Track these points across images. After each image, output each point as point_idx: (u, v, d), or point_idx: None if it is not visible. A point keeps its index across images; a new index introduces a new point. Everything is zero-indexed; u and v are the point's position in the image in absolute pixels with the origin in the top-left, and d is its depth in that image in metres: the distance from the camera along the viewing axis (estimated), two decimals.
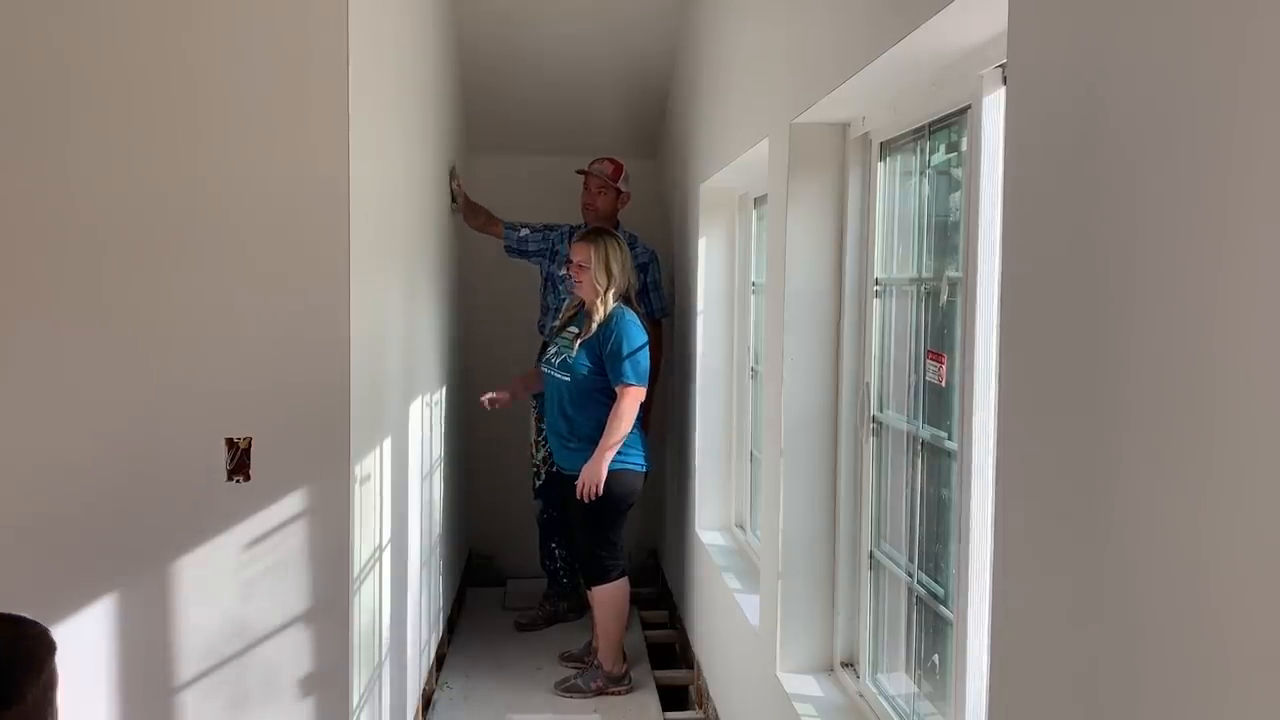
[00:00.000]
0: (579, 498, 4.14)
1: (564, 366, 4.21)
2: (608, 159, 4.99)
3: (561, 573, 5.09)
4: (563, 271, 4.70)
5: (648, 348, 4.18)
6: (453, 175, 4.72)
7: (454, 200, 4.75)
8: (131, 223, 2.51)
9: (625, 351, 4.10)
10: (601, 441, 4.10)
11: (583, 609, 5.06)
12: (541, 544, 5.13)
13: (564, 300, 4.66)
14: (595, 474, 4.10)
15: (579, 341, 4.15)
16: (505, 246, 5.00)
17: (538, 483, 5.09)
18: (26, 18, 2.47)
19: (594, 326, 4.12)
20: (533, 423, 5.09)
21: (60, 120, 2.49)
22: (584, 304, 4.24)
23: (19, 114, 2.48)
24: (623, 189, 4.96)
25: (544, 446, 4.95)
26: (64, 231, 2.50)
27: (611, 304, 4.16)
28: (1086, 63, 1.30)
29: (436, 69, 4.29)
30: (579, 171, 4.97)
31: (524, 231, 4.95)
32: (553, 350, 4.31)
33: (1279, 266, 0.95)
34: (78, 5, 2.48)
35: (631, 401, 4.11)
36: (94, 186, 2.50)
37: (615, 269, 4.16)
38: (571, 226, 4.92)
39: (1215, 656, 1.04)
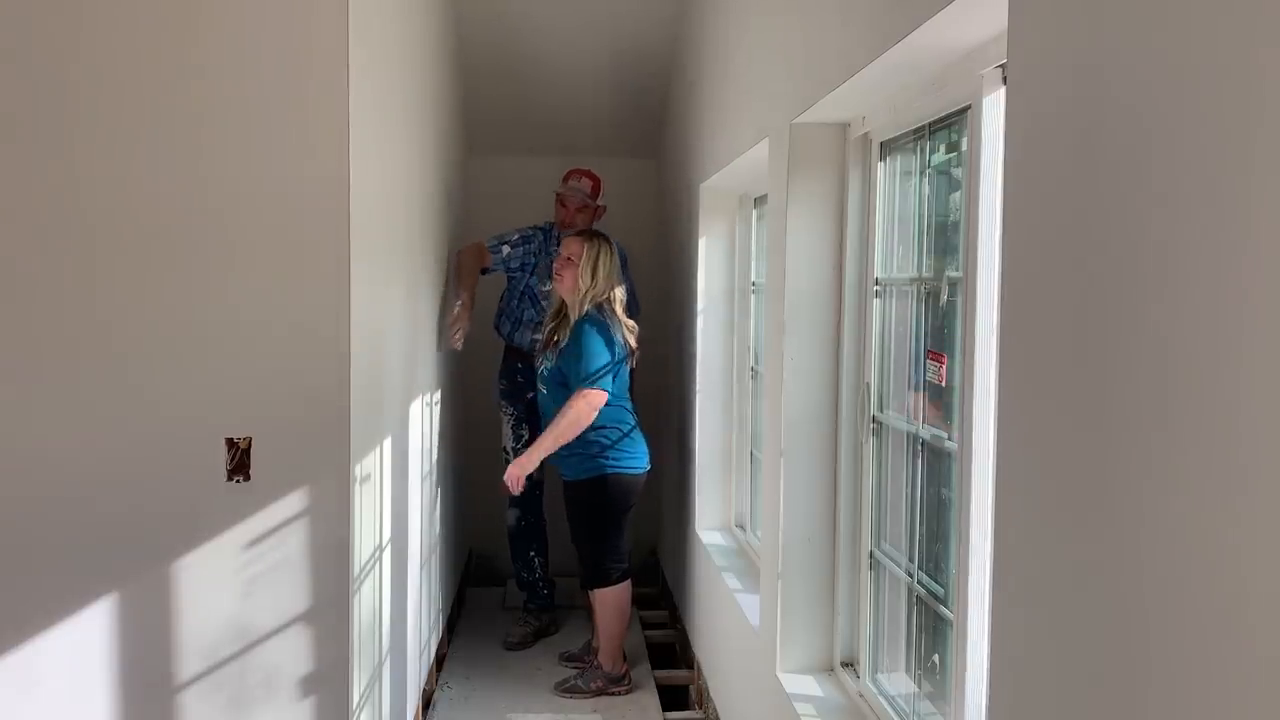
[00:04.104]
0: (505, 488, 4.17)
1: (542, 378, 4.24)
2: (584, 173, 4.84)
3: (541, 584, 4.94)
4: (546, 287, 4.62)
5: (605, 354, 4.06)
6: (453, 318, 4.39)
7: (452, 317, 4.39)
8: (132, 223, 2.51)
9: (579, 353, 4.03)
10: (540, 437, 4.09)
11: (560, 623, 5.02)
12: (517, 555, 4.94)
13: (543, 317, 4.58)
14: (522, 469, 4.10)
15: (555, 349, 4.15)
16: (484, 270, 4.73)
17: (516, 490, 4.87)
18: (26, 18, 2.47)
19: (569, 327, 4.11)
20: (508, 429, 4.90)
21: (59, 120, 2.49)
22: (564, 307, 4.21)
23: (19, 114, 2.48)
24: (601, 204, 4.85)
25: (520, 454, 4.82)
26: (63, 231, 2.50)
27: (586, 308, 4.12)
28: (1086, 63, 1.30)
29: (436, 69, 4.29)
30: (556, 190, 4.82)
31: (505, 250, 4.71)
32: (540, 364, 4.30)
33: (1279, 263, 0.95)
34: (78, 5, 2.48)
35: (580, 404, 4.00)
36: (94, 186, 2.50)
37: (600, 273, 4.10)
38: (545, 231, 4.79)
39: (1216, 656, 1.04)
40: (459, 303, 4.39)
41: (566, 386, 4.09)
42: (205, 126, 2.51)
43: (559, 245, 4.68)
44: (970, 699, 2.10)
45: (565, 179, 4.85)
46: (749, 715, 3.42)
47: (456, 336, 4.35)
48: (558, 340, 4.14)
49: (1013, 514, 1.50)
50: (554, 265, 4.26)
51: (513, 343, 4.85)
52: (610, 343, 4.07)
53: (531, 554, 4.91)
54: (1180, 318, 1.10)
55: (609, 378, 4.07)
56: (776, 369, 2.96)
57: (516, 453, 4.74)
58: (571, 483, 4.20)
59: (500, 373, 4.96)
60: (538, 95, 5.31)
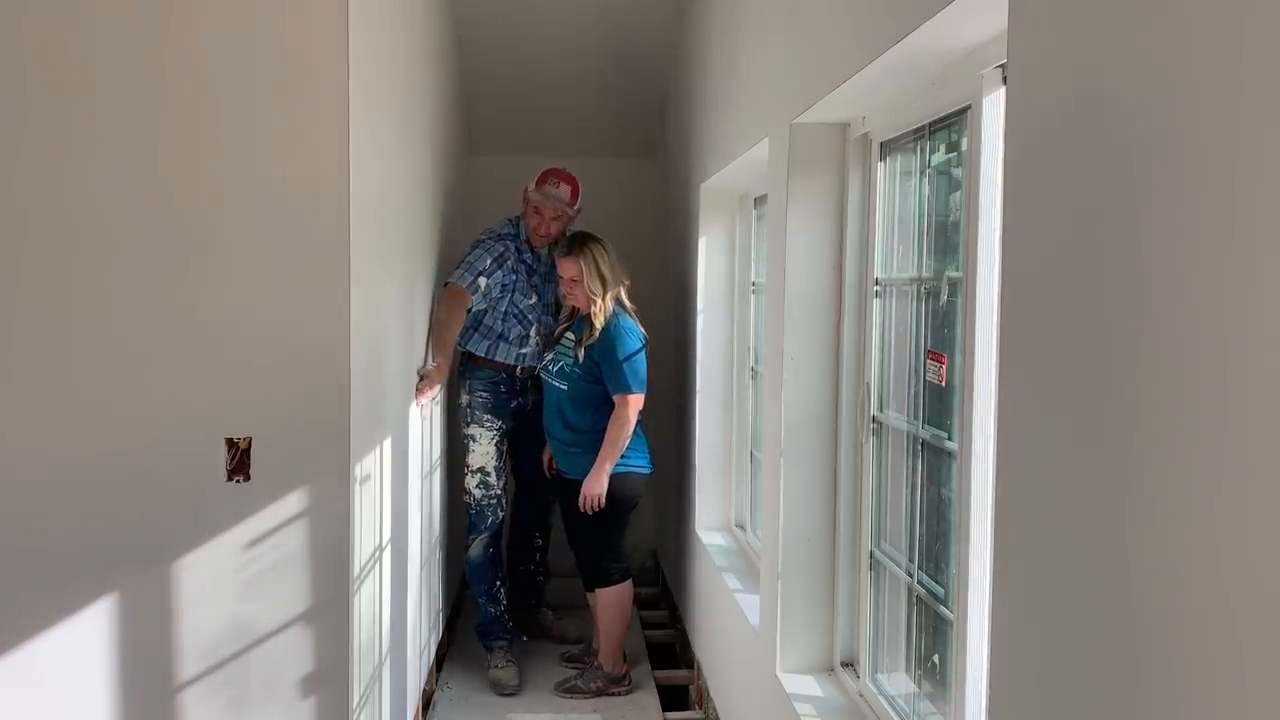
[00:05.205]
0: (581, 510, 4.13)
1: (561, 374, 4.19)
2: (562, 176, 4.39)
3: (507, 615, 4.52)
4: (530, 300, 4.41)
5: (644, 353, 4.16)
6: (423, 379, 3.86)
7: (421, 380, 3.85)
8: (131, 223, 2.51)
9: (621, 359, 4.06)
10: (601, 453, 4.08)
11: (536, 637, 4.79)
12: (484, 590, 4.46)
13: (532, 330, 4.42)
14: (596, 487, 4.08)
15: (580, 348, 4.13)
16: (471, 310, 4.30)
17: (500, 514, 4.43)
18: (26, 17, 2.47)
19: (596, 333, 4.10)
20: (489, 448, 4.40)
21: (60, 121, 2.49)
22: (576, 310, 4.23)
23: (19, 114, 2.48)
24: (577, 208, 4.44)
25: (505, 474, 4.46)
26: (64, 232, 2.50)
27: (610, 307, 4.13)
28: (1086, 63, 1.30)
29: (436, 69, 4.29)
30: (527, 192, 4.38)
31: (483, 283, 4.21)
32: (549, 356, 4.28)
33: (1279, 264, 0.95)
34: (78, 5, 2.48)
35: (632, 410, 4.08)
36: (94, 187, 2.50)
37: (606, 272, 4.10)
38: (514, 239, 4.37)
39: (1216, 656, 1.04)
40: (433, 364, 3.92)
41: (596, 383, 4.11)
42: (205, 126, 2.51)
43: (532, 253, 4.43)
44: (970, 699, 2.10)
45: (540, 182, 4.38)
46: (749, 715, 3.42)
47: (424, 398, 3.81)
48: (579, 338, 4.13)
49: (1013, 514, 1.50)
50: (560, 289, 4.22)
51: (493, 357, 4.40)
52: (638, 339, 4.13)
53: (498, 585, 4.50)
54: (1180, 317, 1.10)
55: (645, 377, 4.13)
56: (776, 369, 2.96)
57: (499, 472, 4.41)
58: (576, 481, 4.19)
59: (473, 385, 4.42)
60: (538, 95, 5.30)
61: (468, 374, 4.43)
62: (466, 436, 4.42)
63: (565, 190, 4.38)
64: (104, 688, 2.55)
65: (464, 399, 4.44)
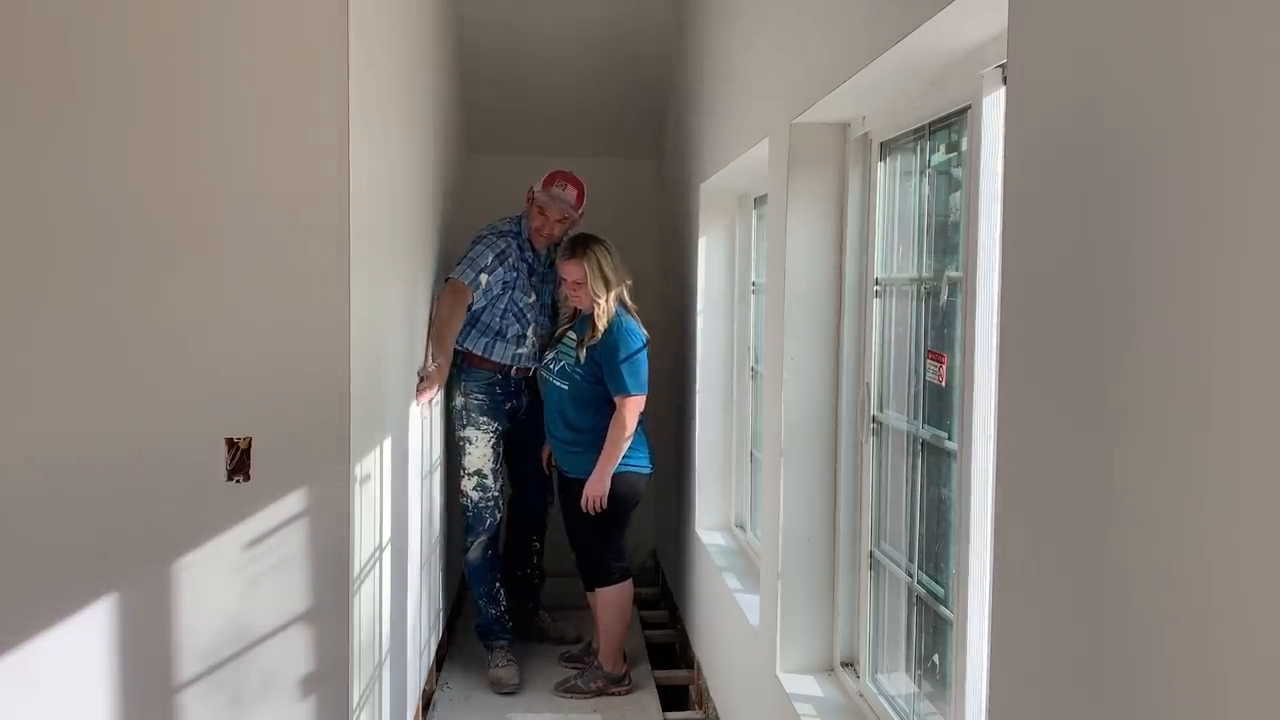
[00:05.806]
0: (584, 510, 4.13)
1: (563, 374, 4.18)
2: (569, 179, 4.40)
3: (507, 614, 4.52)
4: (530, 299, 4.41)
5: (646, 353, 4.16)
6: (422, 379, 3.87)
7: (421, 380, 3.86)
8: (132, 223, 2.51)
9: (622, 361, 4.07)
10: (603, 454, 4.08)
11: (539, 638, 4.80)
12: (484, 592, 4.47)
13: (529, 330, 4.40)
14: (599, 488, 4.09)
15: (582, 349, 4.13)
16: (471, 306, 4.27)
17: (498, 515, 4.44)
18: (26, 17, 2.47)
19: (599, 334, 4.10)
20: (486, 450, 4.39)
21: (60, 120, 2.49)
22: (577, 310, 4.23)
23: (19, 114, 2.48)
24: (581, 212, 4.44)
25: (502, 475, 4.47)
26: (64, 231, 2.50)
27: (613, 308, 4.13)
28: (1086, 63, 1.30)
29: (436, 69, 4.29)
30: (533, 193, 4.38)
31: (484, 280, 4.21)
32: (550, 356, 4.28)
33: (1278, 264, 0.95)
34: (78, 5, 2.48)
35: (632, 411, 4.08)
36: (94, 186, 2.50)
37: (609, 273, 4.10)
38: (515, 235, 4.38)
39: (1214, 656, 1.04)
40: (434, 365, 3.95)
41: (597, 383, 4.12)
42: (205, 127, 2.51)
43: (532, 251, 4.43)
44: (970, 699, 2.10)
45: (547, 183, 4.39)
46: (749, 715, 3.42)
47: (424, 398, 3.84)
48: (581, 338, 4.13)
49: (1013, 514, 1.50)
50: (562, 291, 4.23)
51: (489, 356, 4.39)
52: (640, 340, 4.13)
53: (497, 585, 4.50)
54: (1179, 318, 1.10)
55: (646, 378, 4.13)
56: (776, 369, 2.96)
57: (495, 474, 4.41)
58: (577, 480, 4.19)
59: (469, 387, 4.39)
60: (538, 95, 5.30)
61: (462, 376, 4.39)
62: (462, 439, 4.41)
63: (571, 193, 4.38)
64: (104, 688, 2.55)
65: (458, 401, 4.42)
